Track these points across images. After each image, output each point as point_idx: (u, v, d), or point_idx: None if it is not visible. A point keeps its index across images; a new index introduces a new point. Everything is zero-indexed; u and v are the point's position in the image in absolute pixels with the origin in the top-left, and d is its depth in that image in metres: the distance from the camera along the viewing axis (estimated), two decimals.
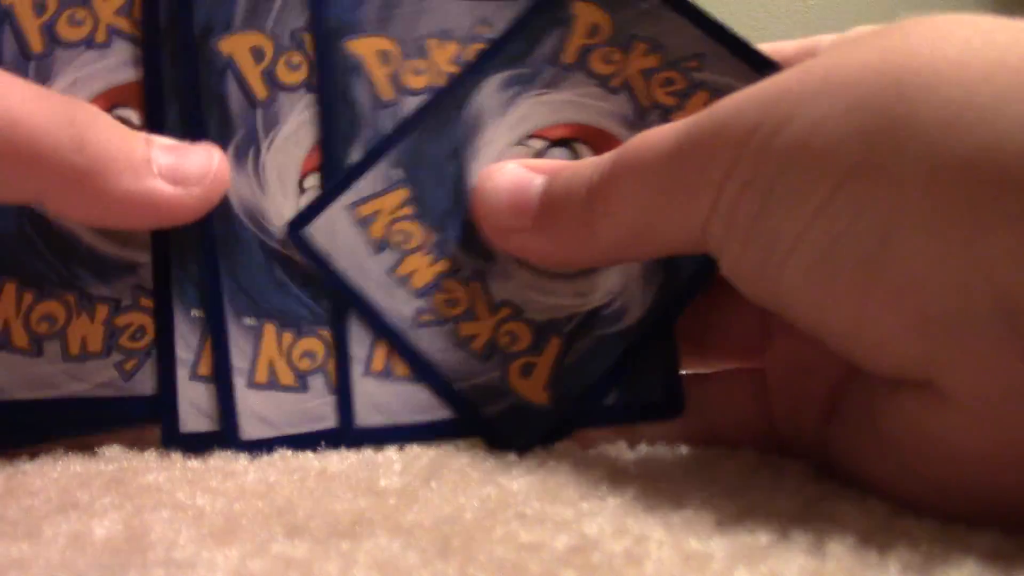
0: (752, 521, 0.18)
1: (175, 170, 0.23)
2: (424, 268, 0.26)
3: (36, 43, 0.25)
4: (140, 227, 0.25)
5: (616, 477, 0.22)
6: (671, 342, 0.27)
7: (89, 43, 0.25)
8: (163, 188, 0.23)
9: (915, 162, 0.18)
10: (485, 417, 0.25)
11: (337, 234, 0.25)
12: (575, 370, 0.26)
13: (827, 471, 0.23)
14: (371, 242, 0.25)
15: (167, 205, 0.23)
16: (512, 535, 0.17)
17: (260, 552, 0.16)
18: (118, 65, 0.25)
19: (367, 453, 0.24)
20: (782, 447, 0.25)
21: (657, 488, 0.21)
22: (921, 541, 0.17)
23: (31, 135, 0.21)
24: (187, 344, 0.25)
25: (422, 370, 0.25)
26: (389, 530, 0.18)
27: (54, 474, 0.22)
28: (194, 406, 0.25)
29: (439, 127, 0.26)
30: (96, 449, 0.24)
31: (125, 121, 0.25)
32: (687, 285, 0.26)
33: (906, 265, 0.18)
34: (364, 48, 0.26)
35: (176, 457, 0.23)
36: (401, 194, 0.26)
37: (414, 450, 0.25)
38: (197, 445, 0.24)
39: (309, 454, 0.24)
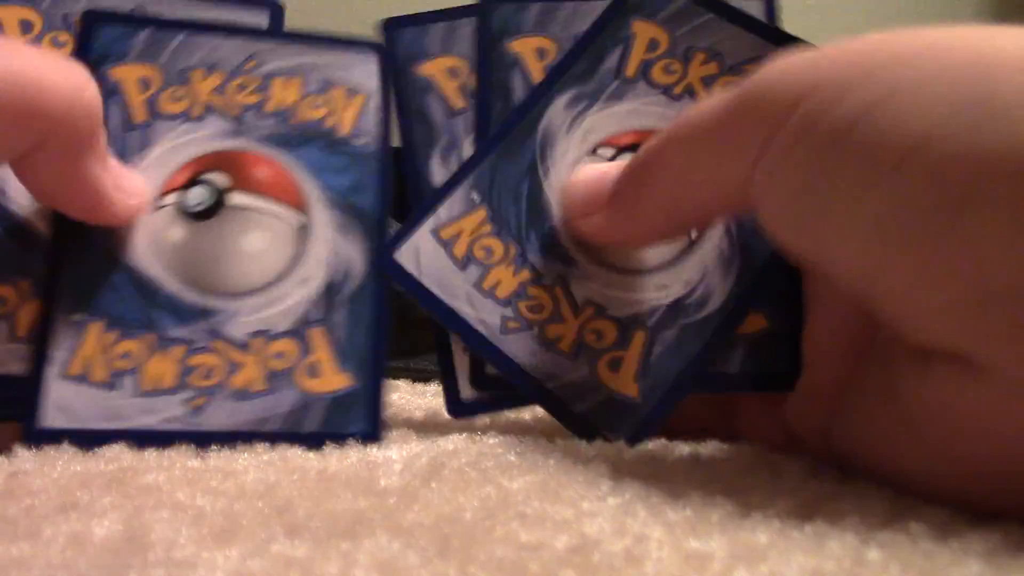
0: (752, 521, 0.18)
1: (120, 177, 0.26)
2: (508, 279, 0.27)
3: (139, 115, 0.27)
4: (81, 211, 0.26)
5: (616, 477, 0.22)
6: (796, 315, 0.27)
7: (186, 117, 0.28)
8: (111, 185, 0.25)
9: (994, 139, 0.18)
10: (578, 413, 0.26)
11: (423, 257, 0.27)
12: (663, 361, 0.27)
13: (827, 471, 0.23)
14: (456, 260, 0.27)
15: (110, 202, 0.25)
16: (512, 535, 0.17)
17: (260, 552, 0.16)
18: (210, 136, 0.27)
19: (367, 453, 0.24)
20: (788, 443, 0.26)
21: (657, 488, 0.21)
22: (921, 541, 0.17)
23: (40, 86, 0.23)
24: (59, 345, 0.25)
25: (513, 374, 0.27)
26: (389, 530, 0.18)
27: (54, 474, 0.22)
28: (57, 404, 0.25)
29: (513, 150, 0.28)
30: (96, 449, 0.24)
31: (213, 183, 0.27)
32: (765, 267, 0.27)
33: (975, 239, 0.18)
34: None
35: (176, 457, 0.23)
36: (480, 215, 0.28)
37: (414, 450, 0.25)
38: (51, 440, 0.24)
39: (310, 454, 0.24)
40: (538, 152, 0.28)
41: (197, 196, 0.27)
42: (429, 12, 0.31)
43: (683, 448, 0.26)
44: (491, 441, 0.26)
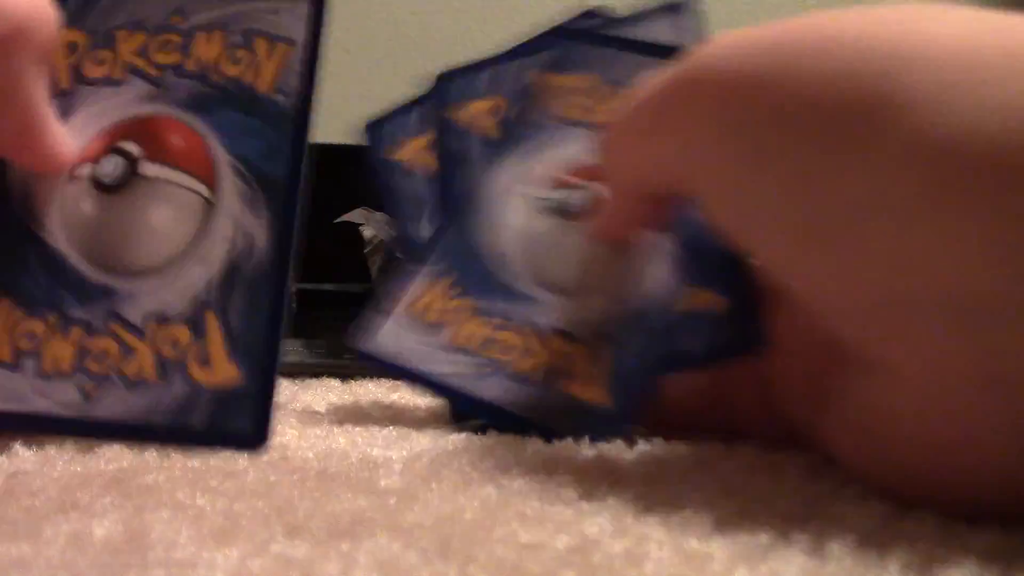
0: (752, 521, 0.18)
1: (56, 122, 0.25)
2: (479, 329, 0.28)
3: (64, 81, 0.26)
4: (13, 137, 0.25)
5: (616, 477, 0.22)
6: (745, 289, 0.27)
7: (107, 81, 0.26)
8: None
9: (895, 141, 0.18)
10: (558, 431, 0.26)
11: (400, 335, 0.28)
12: (631, 368, 0.27)
13: (827, 471, 0.23)
14: (429, 327, 0.29)
15: (43, 136, 0.25)
16: (512, 535, 0.17)
17: (260, 552, 0.16)
18: (129, 101, 0.26)
19: (367, 453, 0.24)
20: (787, 437, 0.26)
21: (657, 488, 0.21)
22: (921, 541, 0.17)
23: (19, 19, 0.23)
24: None
25: (492, 415, 0.27)
26: (389, 530, 0.17)
27: (54, 474, 0.22)
28: None
29: (466, 222, 0.30)
30: (96, 449, 0.24)
31: (127, 153, 0.26)
32: (719, 262, 0.27)
33: (876, 242, 0.18)
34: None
35: (176, 457, 0.23)
36: (446, 281, 0.29)
37: (414, 450, 0.25)
38: None
39: (309, 454, 0.24)
40: (489, 212, 0.30)
41: (108, 167, 0.26)
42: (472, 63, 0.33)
43: (683, 449, 0.26)
44: (491, 441, 0.26)
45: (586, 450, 0.25)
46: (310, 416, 0.31)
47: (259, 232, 0.25)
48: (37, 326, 0.25)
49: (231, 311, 0.25)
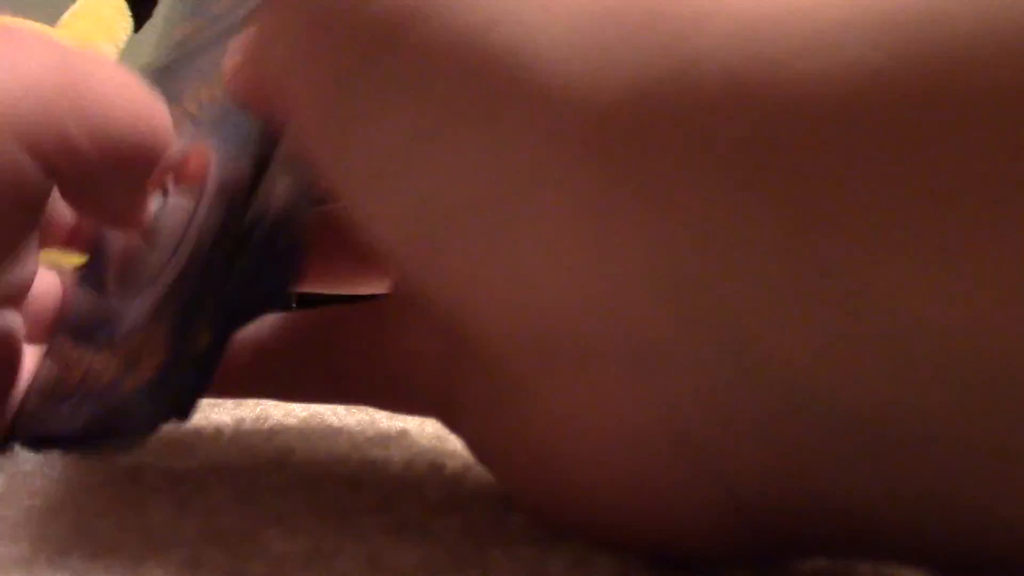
0: None
1: None
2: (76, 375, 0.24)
3: None
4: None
5: None
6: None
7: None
8: None
9: (521, 106, 0.13)
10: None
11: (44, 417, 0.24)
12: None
13: None
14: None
15: None
16: (512, 534, 0.17)
17: (260, 552, 0.16)
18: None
19: (365, 453, 0.24)
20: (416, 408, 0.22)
21: None
22: None
23: None
24: None
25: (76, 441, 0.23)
26: (389, 530, 0.18)
27: (54, 474, 0.22)
28: None
29: None
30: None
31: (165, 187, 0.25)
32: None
33: (520, 255, 0.13)
34: None
35: (176, 457, 0.23)
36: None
37: (414, 450, 0.25)
38: None
39: (309, 454, 0.24)
40: None
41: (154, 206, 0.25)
42: None
43: None
44: None
45: None
46: (310, 416, 0.31)
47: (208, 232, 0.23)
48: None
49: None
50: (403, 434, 0.26)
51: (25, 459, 0.23)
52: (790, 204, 0.11)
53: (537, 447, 0.16)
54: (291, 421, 0.28)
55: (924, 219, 0.10)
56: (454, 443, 0.25)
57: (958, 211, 0.10)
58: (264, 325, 0.22)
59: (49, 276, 0.26)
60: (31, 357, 0.25)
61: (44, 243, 0.24)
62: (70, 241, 0.25)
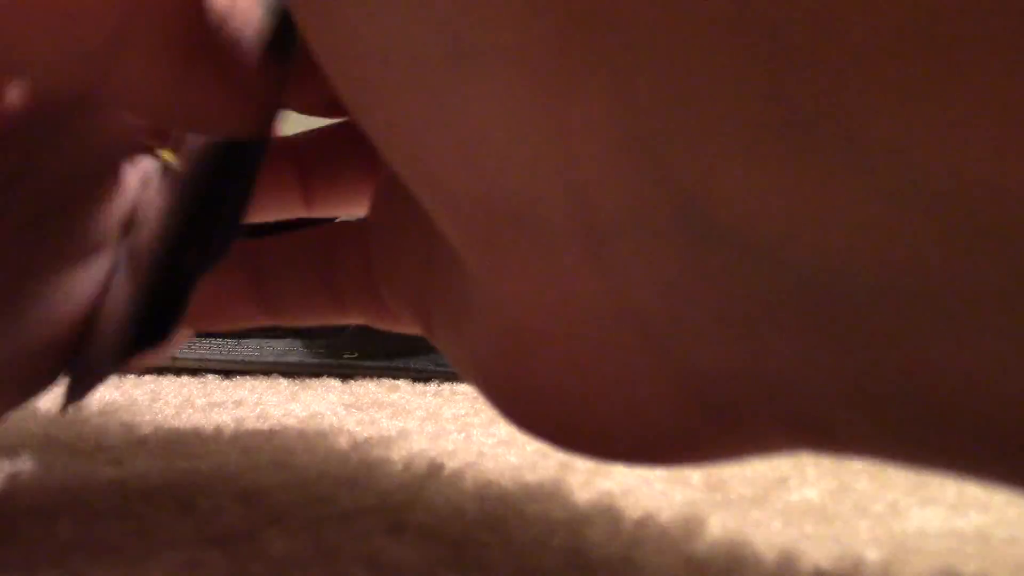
0: (752, 521, 0.18)
1: None
2: None
3: None
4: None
5: (616, 477, 0.22)
6: None
7: None
8: None
9: None
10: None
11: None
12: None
13: (828, 471, 0.23)
14: None
15: None
16: (512, 535, 0.17)
17: (260, 552, 0.16)
18: None
19: (367, 453, 0.24)
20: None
21: (657, 488, 0.21)
22: (919, 541, 0.17)
23: None
24: None
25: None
26: (389, 530, 0.18)
27: (54, 474, 0.22)
28: None
29: None
30: (96, 449, 0.24)
31: None
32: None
33: (471, 94, 0.12)
34: None
35: (176, 457, 0.23)
36: None
37: (414, 450, 0.25)
38: None
39: (309, 454, 0.24)
40: None
41: None
42: None
43: None
44: (491, 441, 0.26)
45: None
46: (310, 416, 0.31)
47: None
48: None
49: None
50: (403, 434, 0.26)
51: (25, 459, 0.23)
52: (770, 41, 0.10)
53: (502, 340, 0.15)
54: (291, 421, 0.28)
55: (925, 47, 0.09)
56: (454, 443, 0.25)
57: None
58: (261, 246, 0.22)
59: None
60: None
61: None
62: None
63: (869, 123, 0.10)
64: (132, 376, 0.37)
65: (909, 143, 0.10)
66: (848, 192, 0.10)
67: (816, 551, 0.17)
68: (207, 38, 0.17)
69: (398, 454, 0.24)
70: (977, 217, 0.10)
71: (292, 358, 0.48)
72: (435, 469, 0.22)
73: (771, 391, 0.12)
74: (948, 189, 0.10)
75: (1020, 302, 0.10)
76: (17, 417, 0.25)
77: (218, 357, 0.40)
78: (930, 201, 0.10)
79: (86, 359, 0.20)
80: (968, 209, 0.10)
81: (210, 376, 0.39)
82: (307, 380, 0.43)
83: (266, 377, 0.40)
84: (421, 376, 0.46)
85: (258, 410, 0.30)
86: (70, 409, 0.20)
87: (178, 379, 0.37)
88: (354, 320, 0.22)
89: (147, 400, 0.31)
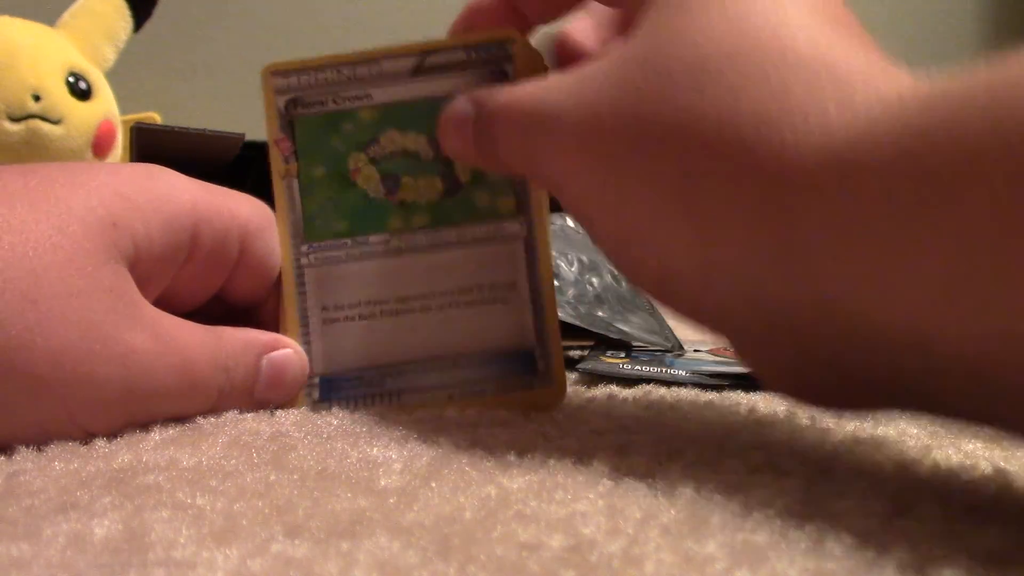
0: (752, 521, 0.18)
1: None
2: None
3: None
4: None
5: (616, 477, 0.22)
6: None
7: None
8: None
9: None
10: None
11: None
12: None
13: (828, 471, 0.23)
14: None
15: None
16: (511, 535, 0.17)
17: (260, 552, 0.16)
18: None
19: (367, 453, 0.24)
20: None
21: (657, 488, 0.21)
22: (921, 541, 0.17)
23: None
24: None
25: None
26: (389, 530, 0.18)
27: (54, 474, 0.22)
28: None
29: None
30: (96, 448, 0.24)
31: None
32: None
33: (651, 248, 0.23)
34: None
35: (176, 457, 0.23)
36: None
37: (414, 450, 0.24)
38: None
39: (309, 453, 0.24)
40: None
41: None
42: None
43: (682, 447, 0.26)
44: (491, 441, 0.26)
45: (587, 449, 0.25)
46: (311, 416, 0.31)
47: None
48: None
49: None
50: (403, 435, 0.26)
51: (25, 459, 0.23)
52: None
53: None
54: (292, 420, 0.28)
55: None
56: (455, 441, 0.25)
57: None
58: None
59: None
60: None
61: None
62: None
63: None
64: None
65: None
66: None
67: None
68: None
69: (398, 454, 0.24)
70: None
71: None
72: (435, 469, 0.22)
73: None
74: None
75: None
76: None
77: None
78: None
79: None
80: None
81: None
82: None
83: None
84: None
85: (260, 410, 0.30)
86: None
87: None
88: None
89: None
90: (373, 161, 0.31)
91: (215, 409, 0.28)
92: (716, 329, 0.24)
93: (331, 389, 0.31)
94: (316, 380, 0.31)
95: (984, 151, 0.16)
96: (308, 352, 0.30)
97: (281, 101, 0.31)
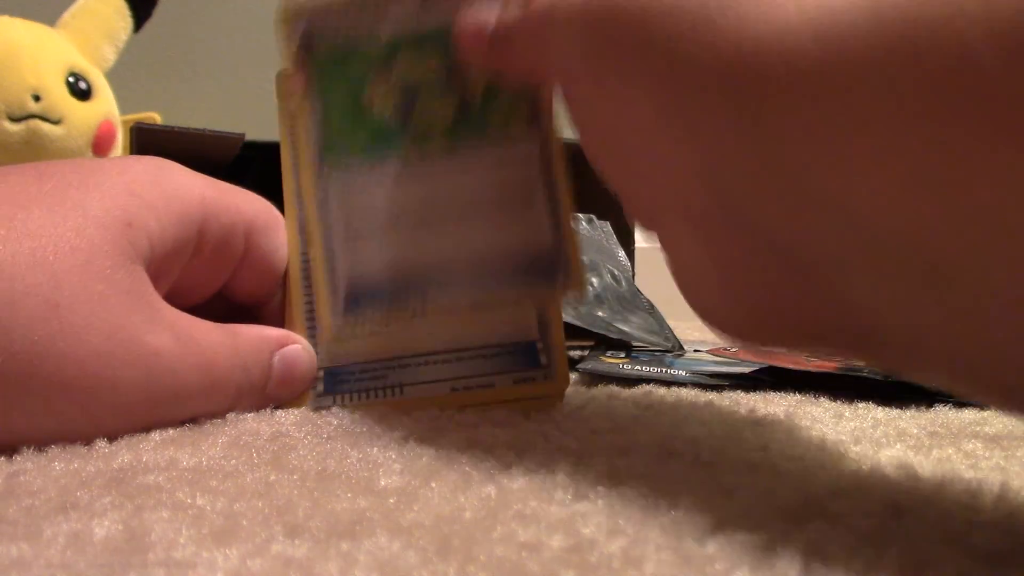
0: (752, 521, 0.18)
1: None
2: None
3: None
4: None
5: (616, 477, 0.22)
6: None
7: None
8: None
9: (643, 59, 0.20)
10: None
11: None
12: None
13: (828, 470, 0.23)
14: None
15: None
16: (511, 535, 0.17)
17: (260, 552, 0.16)
18: None
19: (367, 453, 0.24)
20: None
21: (657, 488, 0.21)
22: (921, 541, 0.17)
23: None
24: None
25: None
26: (389, 530, 0.18)
27: (54, 474, 0.22)
28: None
29: None
30: (96, 448, 0.24)
31: None
32: None
33: (637, 156, 0.22)
34: None
35: (176, 457, 0.23)
36: None
37: (414, 450, 0.25)
38: None
39: (309, 453, 0.24)
40: None
41: None
42: None
43: (683, 448, 0.26)
44: (491, 441, 0.26)
45: (587, 449, 0.25)
46: (311, 415, 0.31)
47: None
48: None
49: None
50: (404, 435, 0.26)
51: (25, 459, 0.23)
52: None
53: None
54: (292, 420, 0.28)
55: None
56: (455, 441, 0.25)
57: None
58: None
59: None
60: None
61: None
62: None
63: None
64: None
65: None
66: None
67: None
68: None
69: (398, 454, 0.24)
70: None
71: None
72: (435, 469, 0.22)
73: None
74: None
75: None
76: None
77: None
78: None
79: None
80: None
81: None
82: None
83: None
84: None
85: (258, 410, 0.30)
86: None
87: None
88: None
89: None
90: (387, 89, 0.32)
91: (232, 408, 0.28)
92: (679, 218, 0.22)
93: (335, 382, 0.31)
94: (320, 373, 0.31)
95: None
96: (333, 270, 0.31)
97: (295, 38, 0.32)
